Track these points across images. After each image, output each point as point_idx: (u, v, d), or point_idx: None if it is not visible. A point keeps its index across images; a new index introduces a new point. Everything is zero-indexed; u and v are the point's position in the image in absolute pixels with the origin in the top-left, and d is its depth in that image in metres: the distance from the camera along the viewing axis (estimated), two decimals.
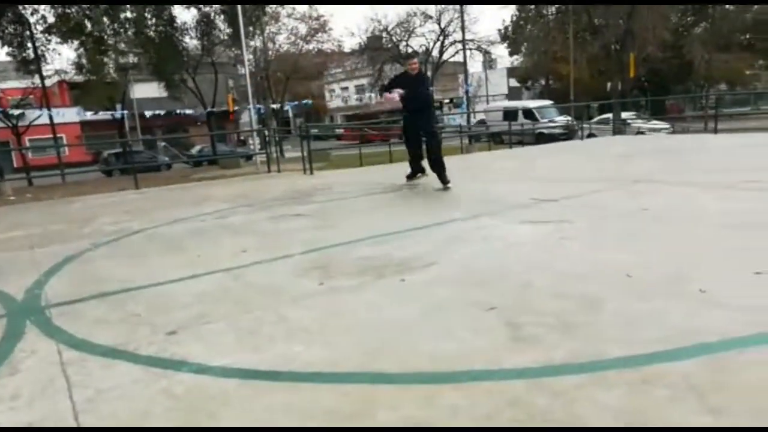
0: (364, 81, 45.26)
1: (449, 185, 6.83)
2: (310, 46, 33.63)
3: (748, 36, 35.97)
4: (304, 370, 2.21)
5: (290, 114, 49.38)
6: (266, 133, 19.25)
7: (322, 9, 34.41)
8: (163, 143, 32.72)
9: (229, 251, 4.32)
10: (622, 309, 2.56)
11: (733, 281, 2.79)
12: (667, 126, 22.53)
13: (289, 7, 29.97)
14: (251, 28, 27.21)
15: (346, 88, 57.38)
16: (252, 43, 29.48)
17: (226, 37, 27.04)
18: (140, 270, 3.96)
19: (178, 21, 25.36)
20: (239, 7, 19.25)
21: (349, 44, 37.41)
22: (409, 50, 35.22)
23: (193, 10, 25.94)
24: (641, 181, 6.20)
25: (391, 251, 3.92)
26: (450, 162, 7.34)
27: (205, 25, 26.23)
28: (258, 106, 28.15)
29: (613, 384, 1.91)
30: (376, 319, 2.71)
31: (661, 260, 3.27)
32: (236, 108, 29.18)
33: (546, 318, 2.50)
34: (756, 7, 35.66)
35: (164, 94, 27.34)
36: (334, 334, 2.56)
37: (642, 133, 20.15)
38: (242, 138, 37.79)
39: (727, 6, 36.06)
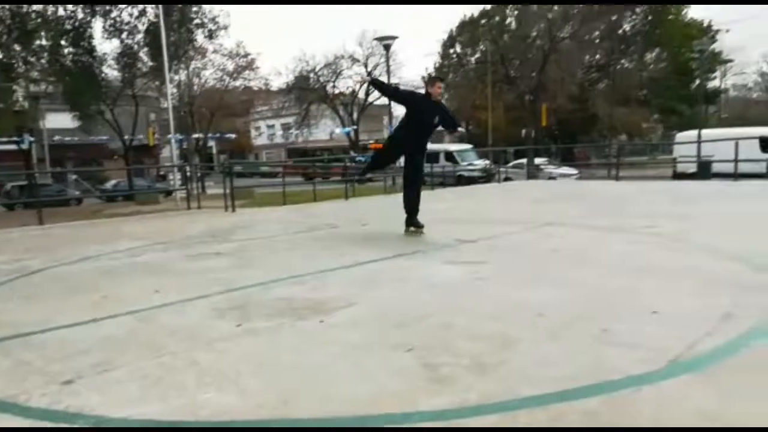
0: (290, 120, 45.33)
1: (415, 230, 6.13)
2: (237, 83, 33.39)
3: (644, 92, 39.45)
4: (215, 419, 2.11)
5: (214, 150, 48.44)
6: (188, 168, 18.71)
7: (251, 47, 34.38)
8: (74, 176, 30.97)
9: (139, 292, 4.10)
10: (534, 348, 2.65)
11: (633, 321, 2.96)
12: (575, 172, 24.02)
13: (216, 43, 29.70)
14: (176, 62, 26.72)
15: (272, 126, 57.18)
16: (176, 77, 28.87)
17: (148, 70, 26.34)
18: (36, 313, 3.66)
19: (99, 51, 24.51)
20: (163, 39, 18.88)
21: (277, 83, 37.39)
22: (336, 91, 35.82)
23: (115, 41, 25.19)
24: (552, 224, 6.53)
25: (311, 292, 3.87)
26: (372, 201, 7.41)
27: (127, 57, 25.46)
28: (180, 137, 27.42)
29: (524, 424, 1.95)
30: (293, 362, 2.64)
31: (569, 300, 3.43)
32: (157, 142, 28.26)
33: (462, 359, 2.54)
34: (651, 66, 39.26)
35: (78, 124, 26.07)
36: (249, 378, 2.47)
37: (553, 178, 21.35)
38: (162, 173, 36.49)
39: (627, 65, 39.46)
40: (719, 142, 16.72)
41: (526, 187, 14.06)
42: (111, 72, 26.19)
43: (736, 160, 13.04)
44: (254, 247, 6.22)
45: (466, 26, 38.98)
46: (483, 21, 37.04)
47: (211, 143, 42.42)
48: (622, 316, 3.05)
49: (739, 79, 44.01)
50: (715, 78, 42.24)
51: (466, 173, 23.94)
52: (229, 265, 5.03)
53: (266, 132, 58.10)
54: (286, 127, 51.40)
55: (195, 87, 30.98)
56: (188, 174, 16.96)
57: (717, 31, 39.25)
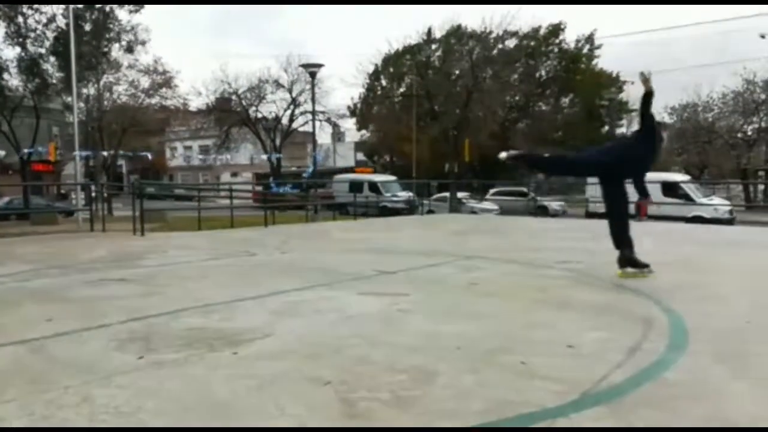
0: (209, 142, 44.08)
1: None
2: (153, 101, 32.08)
3: (559, 134, 41.96)
4: None
5: (124, 169, 46.16)
6: (93, 187, 17.61)
7: (170, 64, 33.11)
8: None
9: (29, 320, 3.73)
10: (453, 381, 2.61)
11: (549, 354, 3.01)
12: (496, 207, 24.91)
13: (131, 58, 28.46)
14: (88, 74, 25.32)
15: (189, 147, 55.39)
16: (85, 90, 27.34)
17: (54, 81, 24.74)
18: None
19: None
20: (72, 50, 17.87)
21: (196, 103, 36.16)
22: (259, 115, 35.29)
23: (17, 48, 23.55)
24: (473, 257, 6.65)
25: (224, 322, 3.67)
26: (293, 228, 7.26)
27: (30, 66, 23.80)
28: (86, 154, 25.84)
29: None
30: (201, 396, 2.45)
31: (488, 333, 3.45)
32: (59, 158, 26.45)
33: (380, 393, 2.46)
34: (565, 110, 41.93)
35: None
36: (150, 416, 2.26)
37: (474, 212, 22.00)
38: (63, 192, 34.09)
39: (543, 108, 41.93)
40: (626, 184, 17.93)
41: (448, 221, 14.36)
42: (11, 81, 24.39)
43: (638, 203, 13.97)
44: (164, 273, 5.87)
45: (392, 59, 39.96)
46: (408, 56, 38.12)
47: (121, 162, 40.24)
48: (539, 349, 3.10)
49: None
50: (622, 125, 45.64)
51: (389, 204, 24.19)
52: (134, 293, 4.69)
53: (182, 153, 56.20)
54: (204, 150, 49.93)
55: (106, 102, 29.40)
56: (93, 194, 15.92)
57: (624, 83, 42.62)
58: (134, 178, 34.39)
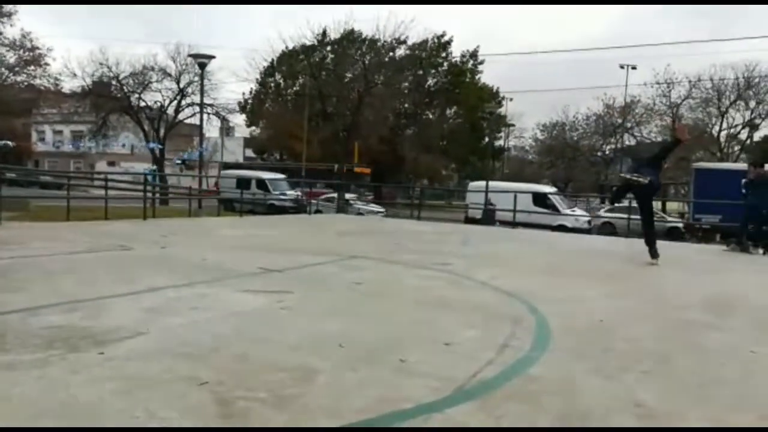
0: (83, 128, 40.61)
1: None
2: (19, 78, 28.98)
3: (444, 142, 43.76)
4: None
5: None
6: None
7: (40, 41, 29.96)
8: None
9: None
10: (334, 379, 2.63)
11: (427, 351, 3.13)
12: (382, 210, 25.40)
13: None
14: None
15: (60, 132, 50.74)
16: None
17: None
18: None
19: None
20: None
21: (70, 85, 33.08)
22: (142, 104, 33.18)
23: None
24: (357, 257, 6.73)
25: (91, 320, 3.41)
26: (175, 223, 6.92)
27: None
28: None
29: None
30: (62, 400, 2.26)
31: (370, 331, 3.52)
32: None
33: (259, 392, 2.42)
34: (450, 120, 43.81)
35: None
36: (2, 421, 2.04)
37: (361, 213, 22.27)
38: None
39: (431, 117, 43.53)
40: (501, 193, 19.10)
41: (335, 221, 14.41)
42: None
43: (514, 210, 14.97)
44: (23, 266, 5.33)
45: (286, 57, 39.40)
46: (302, 56, 37.80)
47: None
48: (418, 347, 3.21)
49: (519, 141, 51.15)
50: (500, 138, 48.56)
51: (277, 202, 23.78)
52: None
53: (51, 138, 51.35)
54: (77, 136, 45.94)
55: None
56: None
57: (503, 98, 45.42)
58: None
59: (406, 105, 41.62)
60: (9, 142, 31.01)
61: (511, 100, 45.92)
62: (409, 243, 9.23)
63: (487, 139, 39.21)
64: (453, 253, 7.67)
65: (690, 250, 10.91)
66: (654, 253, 7.40)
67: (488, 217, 18.66)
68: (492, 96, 44.78)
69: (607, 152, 39.84)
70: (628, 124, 37.72)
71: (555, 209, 21.68)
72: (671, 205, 33.11)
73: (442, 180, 49.50)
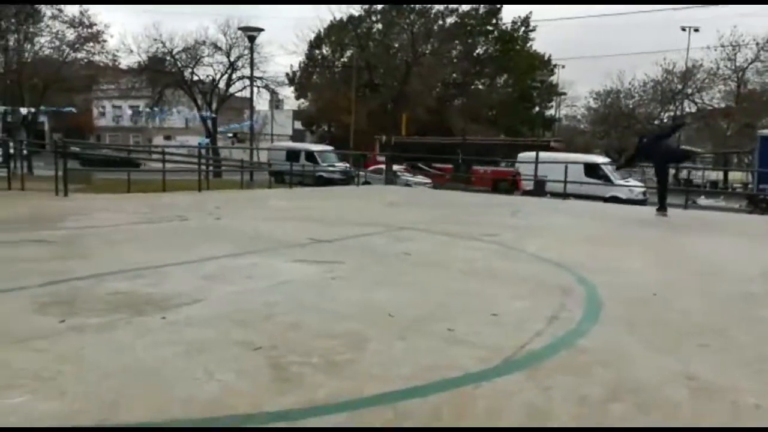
0: (141, 103, 41.91)
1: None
2: (79, 55, 30.02)
3: (493, 112, 42.86)
4: (25, 425, 1.84)
5: (46, 127, 43.31)
6: (11, 144, 16.44)
7: (98, 17, 30.88)
8: None
9: None
10: (383, 347, 2.69)
11: (475, 322, 3.14)
12: (429, 181, 25.26)
13: (54, 8, 26.42)
14: (4, 24, 23.35)
15: (119, 107, 52.56)
16: (3, 41, 25.22)
17: None
18: None
19: None
20: None
21: (127, 61, 34.06)
22: (195, 78, 33.91)
23: None
24: (406, 228, 6.76)
25: (152, 286, 3.58)
26: (228, 195, 7.11)
27: None
28: (4, 109, 24.05)
29: (369, 422, 1.96)
30: (127, 361, 2.41)
31: (418, 300, 3.56)
32: None
33: (311, 358, 2.50)
34: (500, 90, 42.78)
35: None
36: (71, 381, 2.19)
37: (409, 185, 22.23)
38: None
39: (479, 86, 42.60)
40: (553, 164, 18.65)
41: (383, 192, 14.46)
42: None
43: (565, 181, 14.62)
44: (88, 236, 5.63)
45: (334, 29, 39.24)
46: (349, 26, 37.56)
47: (43, 119, 37.62)
48: (465, 317, 3.23)
49: (570, 110, 49.55)
50: (551, 107, 47.14)
51: (325, 174, 24.02)
52: (55, 255, 4.49)
53: (111, 113, 53.26)
54: (135, 110, 47.47)
55: (26, 54, 27.26)
56: (11, 151, 14.89)
57: (555, 65, 43.87)
58: (57, 136, 32.35)
59: (455, 75, 40.83)
60: (73, 108, 32.36)
61: (563, 67, 44.30)
62: (457, 214, 9.20)
63: (537, 109, 38.17)
64: (501, 224, 7.60)
65: (754, 222, 10.41)
66: (663, 210, 9.41)
67: (539, 189, 18.30)
68: (543, 64, 43.39)
69: (665, 120, 38.05)
70: (689, 90, 35.85)
71: (608, 180, 21.00)
72: (734, 175, 31.51)
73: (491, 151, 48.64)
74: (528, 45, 43.60)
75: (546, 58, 44.22)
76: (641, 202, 19.49)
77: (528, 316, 3.26)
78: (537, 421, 2.03)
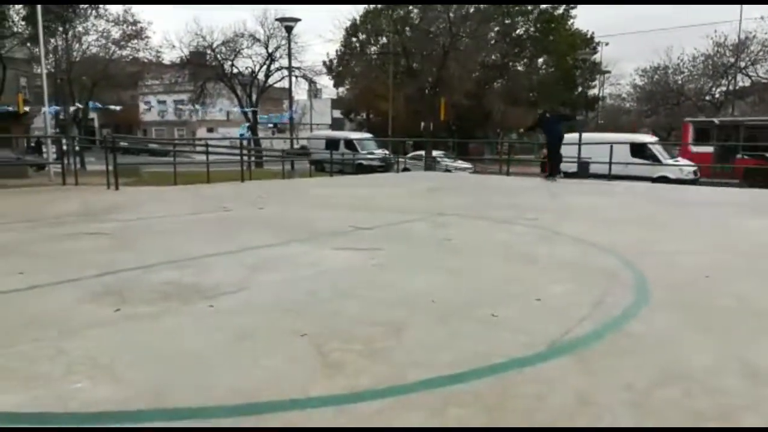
0: (184, 96, 42.91)
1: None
2: (124, 53, 30.92)
3: (533, 94, 41.91)
4: (85, 410, 1.93)
5: (96, 123, 44.89)
6: (64, 140, 17.10)
7: (140, 15, 31.72)
8: None
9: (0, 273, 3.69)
10: (425, 334, 2.70)
11: (518, 307, 3.11)
12: (470, 166, 24.99)
13: (100, 7, 27.24)
14: (53, 26, 24.22)
15: (163, 102, 53.95)
16: (53, 41, 26.20)
17: (19, 30, 23.66)
18: None
19: None
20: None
21: (170, 56, 34.94)
22: (235, 70, 34.44)
23: None
24: (446, 214, 6.73)
25: (199, 276, 3.68)
26: (270, 185, 7.22)
27: None
28: (56, 107, 25.03)
29: (413, 407, 1.98)
30: (177, 348, 2.49)
31: (460, 286, 3.55)
32: (27, 109, 25.55)
33: (355, 344, 2.53)
34: (541, 70, 41.78)
35: None
36: (126, 367, 2.29)
37: (449, 170, 22.06)
38: (33, 144, 33.16)
39: (519, 68, 41.69)
40: (597, 145, 18.15)
41: (423, 178, 14.40)
42: None
43: (610, 162, 14.21)
44: (138, 227, 5.83)
45: (370, 15, 39.05)
46: (386, 12, 37.28)
47: (93, 115, 39.01)
48: (508, 302, 3.20)
49: (615, 89, 47.96)
50: (594, 86, 45.74)
51: (365, 162, 24.08)
52: (108, 246, 4.67)
53: (156, 107, 54.72)
54: (179, 104, 48.66)
55: (75, 53, 28.25)
56: (65, 147, 15.48)
57: (598, 43, 42.49)
58: (106, 131, 33.49)
59: (493, 57, 40.06)
60: (116, 107, 33.44)
61: (606, 44, 42.88)
62: (497, 199, 9.08)
63: (580, 89, 37.09)
64: (543, 208, 7.47)
65: None
66: (553, 177, 12.11)
67: (582, 171, 17.85)
68: (585, 42, 42.04)
69: (716, 95, 36.39)
70: (742, 64, 34.12)
71: (655, 160, 20.28)
72: None
73: (532, 133, 47.71)
74: (569, 23, 42.35)
75: (588, 35, 42.87)
76: (692, 182, 18.78)
77: (572, 301, 3.20)
78: (584, 405, 2.00)
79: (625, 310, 3.06)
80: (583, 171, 17.76)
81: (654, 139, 24.69)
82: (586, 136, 22.13)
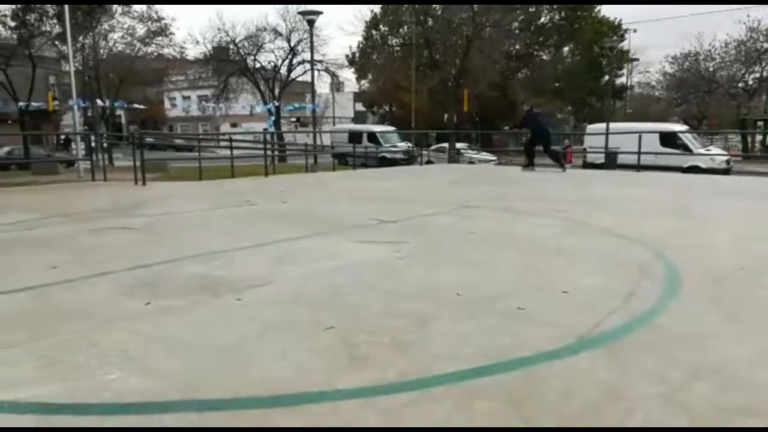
0: (208, 92, 43.39)
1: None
2: (149, 49, 31.40)
3: (559, 84, 41.28)
4: (118, 401, 1.97)
5: (123, 119, 45.70)
6: (92, 137, 17.47)
7: (164, 11, 32.23)
8: None
9: (34, 267, 3.78)
10: (451, 326, 2.69)
11: (545, 300, 3.08)
12: (494, 158, 24.79)
13: (124, 7, 27.70)
14: (83, 23, 24.70)
15: (188, 98, 54.63)
16: (81, 38, 26.74)
17: (48, 28, 24.19)
18: None
19: None
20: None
21: (194, 52, 35.45)
22: (257, 65, 34.69)
23: None
24: (471, 206, 6.69)
25: (226, 269, 3.73)
26: (294, 179, 7.27)
27: (23, 15, 23.19)
28: (84, 105, 25.56)
29: (439, 400, 1.97)
30: (208, 341, 2.53)
31: (486, 279, 3.52)
32: (56, 107, 26.14)
33: (381, 337, 2.54)
34: (566, 60, 41.09)
35: None
36: (158, 359, 2.33)
37: (473, 162, 21.93)
38: (63, 141, 33.94)
39: (544, 57, 41.07)
40: (625, 135, 17.81)
41: (446, 171, 14.34)
42: (3, 31, 23.85)
43: (639, 153, 13.94)
44: (166, 222, 5.93)
45: (391, 7, 38.85)
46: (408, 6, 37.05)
47: (120, 112, 39.76)
48: (535, 295, 3.16)
49: (643, 77, 46.96)
50: (622, 75, 44.85)
51: (388, 155, 24.06)
52: (137, 241, 4.75)
53: (181, 103, 55.47)
54: (203, 100, 49.24)
55: (101, 51, 28.78)
56: (93, 144, 15.82)
57: (626, 30, 41.61)
58: (134, 128, 34.10)
59: (518, 46, 39.57)
60: (139, 106, 34.04)
61: (634, 31, 41.97)
62: (523, 190, 9.00)
63: (606, 78, 36.42)
64: (570, 200, 7.37)
65: None
66: (528, 166, 12.56)
67: (610, 161, 17.55)
68: (612, 29, 41.23)
69: (750, 82, 35.33)
70: None
71: (686, 149, 19.82)
72: None
73: (556, 124, 47.06)
74: (596, 10, 41.56)
75: (616, 22, 42.01)
76: (725, 171, 18.32)
77: (602, 293, 3.16)
78: (614, 400, 1.97)
79: (657, 302, 3.00)
80: (610, 162, 17.46)
81: (684, 127, 24.14)
82: (613, 125, 21.75)
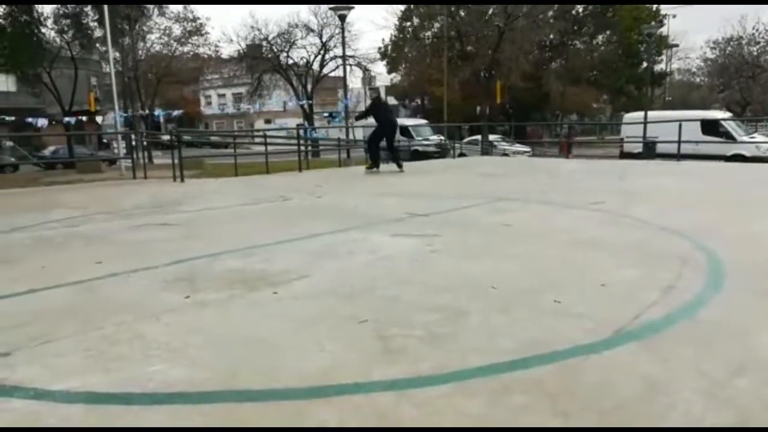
0: (242, 89, 44.06)
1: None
2: (185, 49, 32.07)
3: (594, 73, 40.35)
4: (161, 391, 2.04)
5: (161, 119, 46.80)
6: (133, 136, 17.97)
7: (199, 11, 32.89)
8: (9, 142, 29.28)
9: (80, 262, 3.93)
10: (486, 320, 2.68)
11: (581, 293, 3.04)
12: (528, 149, 24.44)
13: (162, 7, 28.36)
14: (122, 25, 25.39)
15: (223, 95, 55.57)
16: (119, 40, 27.49)
17: (90, 31, 24.95)
18: None
19: (38, 10, 23.02)
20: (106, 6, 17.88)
21: (228, 51, 36.01)
22: (290, 62, 35.04)
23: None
24: (505, 199, 6.62)
25: (263, 263, 3.79)
26: (327, 173, 7.32)
27: (68, 18, 23.97)
28: (125, 114, 26.30)
29: (474, 393, 1.97)
30: (245, 334, 2.59)
31: (521, 272, 3.49)
32: (98, 108, 26.95)
33: (415, 330, 2.55)
34: (602, 48, 40.14)
35: (12, 88, 24.52)
36: (197, 351, 2.40)
37: (506, 154, 21.68)
38: (105, 141, 34.98)
39: (579, 46, 40.19)
40: (664, 123, 17.32)
41: (479, 163, 14.22)
42: (49, 33, 24.72)
43: (679, 142, 13.53)
44: (203, 218, 6.06)
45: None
46: None
47: (158, 111, 40.78)
48: (571, 288, 3.12)
49: (683, 63, 45.54)
50: (661, 61, 43.57)
51: (420, 148, 23.99)
52: (177, 236, 4.87)
53: (217, 101, 56.46)
54: (237, 97, 50.02)
55: (140, 51, 29.54)
56: (134, 142, 16.28)
57: (664, 16, 40.35)
58: (171, 126, 34.89)
59: (551, 36, 38.81)
60: (175, 112, 34.82)
61: (674, 17, 40.67)
62: (558, 182, 8.86)
63: (645, 65, 35.41)
64: (607, 191, 7.21)
65: None
66: (371, 167, 11.01)
67: (648, 151, 17.09)
68: (651, 15, 40.04)
69: None
70: None
71: (729, 137, 19.13)
72: None
73: (592, 114, 46.05)
74: None
75: (653, 8, 40.78)
76: None
77: (641, 286, 3.09)
78: (654, 394, 1.93)
79: (699, 295, 2.93)
80: (649, 152, 17.01)
81: (728, 115, 23.31)
82: (651, 114, 21.17)
